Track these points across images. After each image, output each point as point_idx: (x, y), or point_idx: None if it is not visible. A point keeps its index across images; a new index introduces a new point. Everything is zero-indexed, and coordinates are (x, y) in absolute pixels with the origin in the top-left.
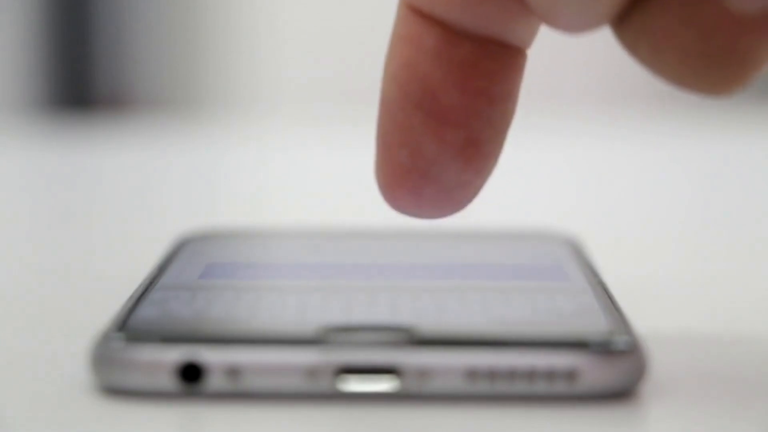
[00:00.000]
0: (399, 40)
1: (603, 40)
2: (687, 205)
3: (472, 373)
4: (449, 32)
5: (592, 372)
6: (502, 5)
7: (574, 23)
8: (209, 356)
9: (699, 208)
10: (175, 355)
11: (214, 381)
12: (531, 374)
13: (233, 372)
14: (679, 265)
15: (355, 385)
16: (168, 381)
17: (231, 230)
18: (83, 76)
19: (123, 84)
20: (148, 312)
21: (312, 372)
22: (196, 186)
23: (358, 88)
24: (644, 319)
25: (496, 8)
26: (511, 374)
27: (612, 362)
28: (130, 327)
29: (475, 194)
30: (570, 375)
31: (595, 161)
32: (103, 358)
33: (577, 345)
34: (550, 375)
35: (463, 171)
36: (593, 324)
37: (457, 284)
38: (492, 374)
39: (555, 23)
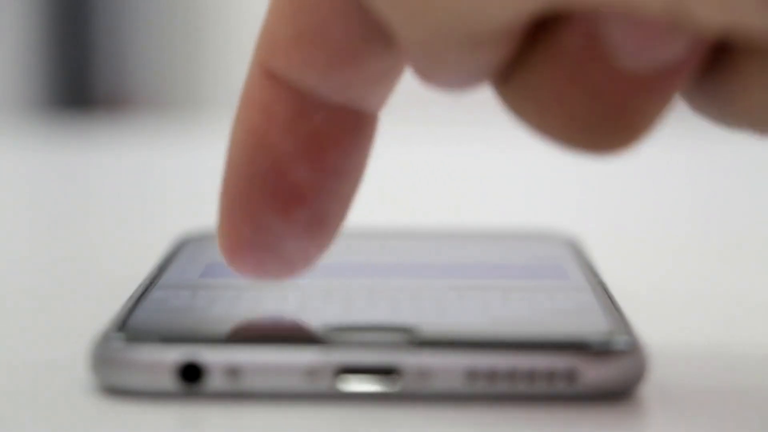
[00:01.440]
0: (249, 104)
1: None
2: (688, 206)
3: (472, 373)
4: (302, 100)
5: (592, 372)
6: (363, 69)
7: (450, 81)
8: (209, 356)
9: (700, 208)
10: (175, 355)
11: (214, 381)
12: (531, 374)
13: (233, 372)
14: (680, 266)
15: (355, 385)
16: (168, 381)
17: None
18: (83, 76)
19: (123, 84)
20: (148, 312)
21: (312, 372)
22: (196, 186)
23: None
24: (644, 320)
25: (356, 72)
26: (511, 374)
27: (612, 362)
28: (130, 327)
29: (317, 260)
30: (570, 375)
31: (595, 161)
32: (103, 358)
33: (577, 345)
34: (550, 375)
35: (307, 244)
36: (593, 324)
37: (458, 284)
38: (492, 374)
39: (431, 81)
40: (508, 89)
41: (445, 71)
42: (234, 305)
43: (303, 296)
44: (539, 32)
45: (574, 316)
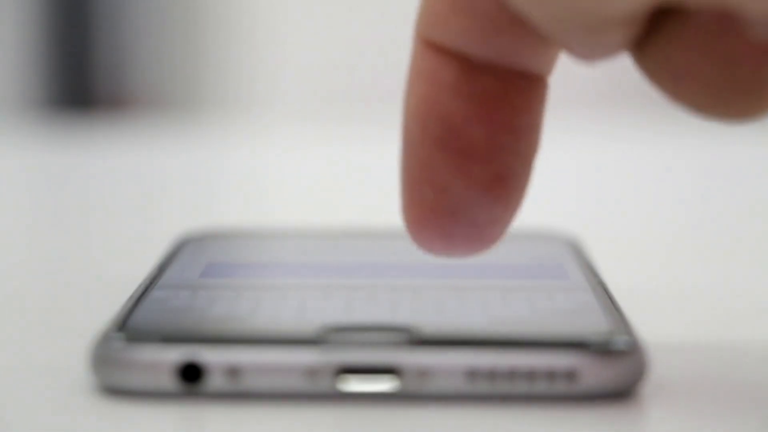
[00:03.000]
0: (416, 76)
1: None
2: (688, 206)
3: (472, 373)
4: (467, 65)
5: (592, 372)
6: (520, 35)
7: (588, 52)
8: (209, 356)
9: (700, 208)
10: (175, 355)
11: (214, 381)
12: (531, 374)
13: (233, 372)
14: (680, 266)
15: (355, 385)
16: (168, 381)
17: (231, 230)
18: (83, 76)
19: (123, 84)
20: (148, 312)
21: (312, 372)
22: (196, 186)
23: (358, 88)
24: (644, 320)
25: (514, 39)
26: (511, 374)
27: (612, 362)
28: (130, 327)
29: (506, 228)
30: (570, 375)
31: (595, 161)
32: (103, 358)
33: (577, 345)
34: (550, 375)
35: (492, 206)
36: (593, 324)
37: (458, 284)
38: (492, 374)
39: (571, 52)
40: (643, 58)
41: (577, 48)
42: (234, 305)
43: (303, 296)
44: (671, 10)
45: (574, 316)
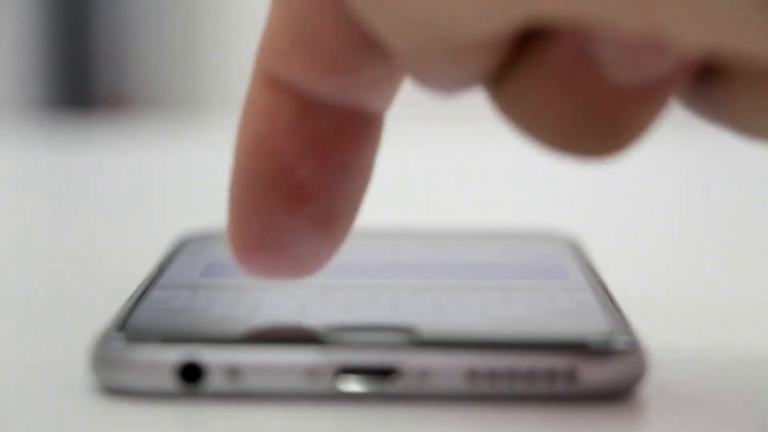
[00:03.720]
0: (251, 111)
1: None
2: (688, 206)
3: (472, 373)
4: (304, 103)
5: (592, 372)
6: (361, 73)
7: (444, 82)
8: (209, 356)
9: (700, 208)
10: (175, 355)
11: (214, 381)
12: (531, 374)
13: (233, 372)
14: (680, 266)
15: (355, 385)
16: (168, 381)
17: None
18: (83, 76)
19: (123, 84)
20: (148, 312)
21: (312, 372)
22: (196, 186)
23: None
24: (644, 320)
25: (355, 76)
26: (511, 374)
27: (612, 362)
28: (130, 327)
29: (329, 260)
30: (570, 375)
31: (586, 166)
32: (103, 358)
33: (577, 345)
34: (550, 375)
35: (317, 243)
36: (593, 324)
37: (458, 284)
38: (492, 374)
39: (426, 82)
40: (499, 94)
41: (435, 77)
42: (234, 305)
43: (303, 296)
44: (528, 41)
45: (574, 316)
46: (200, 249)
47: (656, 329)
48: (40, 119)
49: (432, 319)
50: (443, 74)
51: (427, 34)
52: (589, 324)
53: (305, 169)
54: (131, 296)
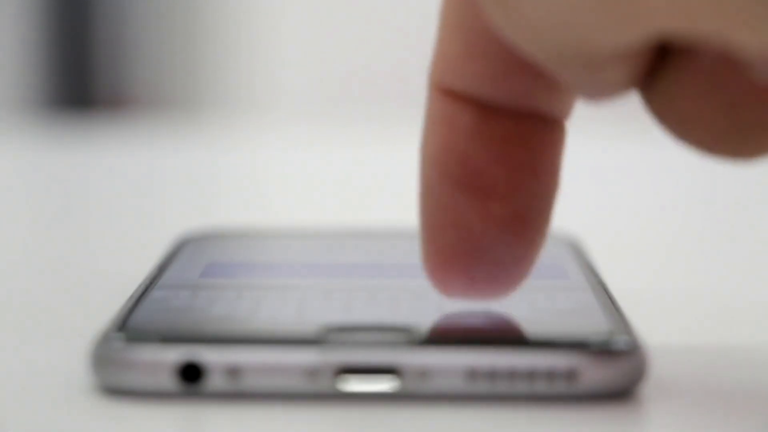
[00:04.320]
0: (432, 122)
1: None
2: (688, 206)
3: (472, 373)
4: (484, 109)
5: (592, 372)
6: (533, 78)
7: (593, 91)
8: (209, 356)
9: (700, 208)
10: (175, 355)
11: (214, 381)
12: (531, 374)
13: (233, 372)
14: (680, 266)
15: (355, 385)
16: (168, 381)
17: (231, 230)
18: (83, 76)
19: (123, 84)
20: (148, 312)
21: (312, 372)
22: (196, 186)
23: (357, 88)
24: (644, 320)
25: (526, 81)
26: (511, 374)
27: (612, 362)
28: (130, 327)
29: (529, 269)
30: (570, 375)
31: (595, 161)
32: (103, 358)
33: (577, 345)
34: (550, 375)
35: (513, 246)
36: (593, 324)
37: None
38: (492, 374)
39: (577, 90)
40: (650, 98)
41: (583, 85)
42: (234, 305)
43: (303, 296)
44: (672, 49)
45: (574, 316)
46: (200, 249)
47: (656, 329)
48: (40, 119)
49: (432, 319)
50: (588, 82)
51: (559, 48)
52: (589, 324)
53: (492, 170)
54: (131, 296)
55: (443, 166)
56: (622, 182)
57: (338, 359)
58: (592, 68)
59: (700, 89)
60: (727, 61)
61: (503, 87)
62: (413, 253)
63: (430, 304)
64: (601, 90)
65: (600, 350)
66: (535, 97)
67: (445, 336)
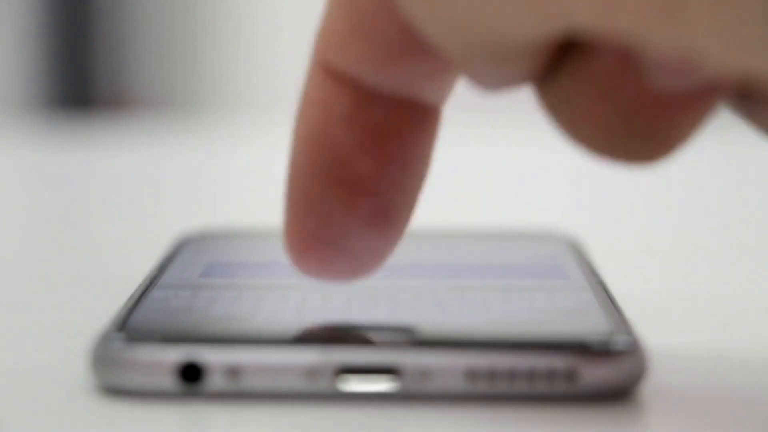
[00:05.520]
0: (309, 102)
1: None
2: (688, 206)
3: (472, 373)
4: (362, 95)
5: (592, 372)
6: (419, 63)
7: (490, 81)
8: (209, 356)
9: (701, 209)
10: (175, 355)
11: (214, 381)
12: (531, 374)
13: (233, 372)
14: (680, 266)
15: (355, 385)
16: (168, 381)
17: (231, 230)
18: (83, 76)
19: (123, 84)
20: (148, 312)
21: (312, 372)
22: (196, 186)
23: None
24: (644, 320)
25: (412, 66)
26: (511, 374)
27: (612, 362)
28: (130, 327)
29: (385, 258)
30: (570, 375)
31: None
32: (103, 358)
33: (577, 345)
34: (550, 375)
35: (374, 239)
36: (593, 324)
37: (458, 284)
38: (492, 374)
39: (473, 80)
40: (545, 95)
41: (481, 76)
42: (234, 305)
43: (303, 296)
44: (573, 46)
45: (574, 316)
46: (200, 249)
47: (656, 329)
48: (40, 119)
49: (432, 319)
50: (488, 73)
51: (468, 38)
52: (589, 324)
53: (362, 161)
54: (131, 296)
55: (313, 150)
56: (623, 182)
57: (338, 359)
58: (496, 60)
59: (596, 90)
60: (625, 64)
61: (386, 71)
62: (413, 253)
63: (430, 304)
64: (497, 82)
65: (600, 350)
66: (417, 84)
67: (445, 336)
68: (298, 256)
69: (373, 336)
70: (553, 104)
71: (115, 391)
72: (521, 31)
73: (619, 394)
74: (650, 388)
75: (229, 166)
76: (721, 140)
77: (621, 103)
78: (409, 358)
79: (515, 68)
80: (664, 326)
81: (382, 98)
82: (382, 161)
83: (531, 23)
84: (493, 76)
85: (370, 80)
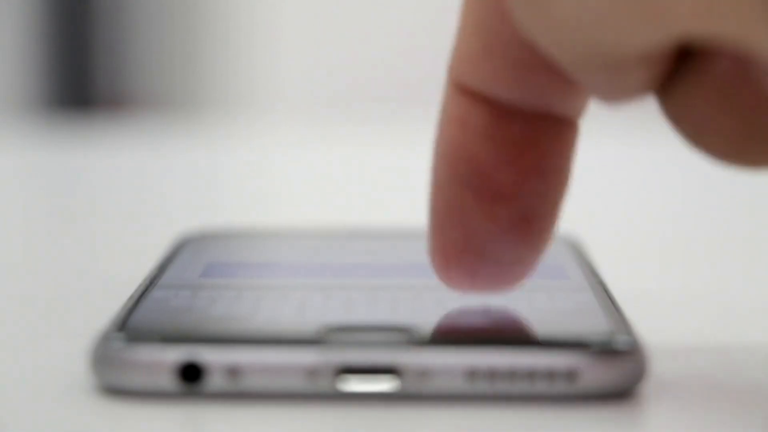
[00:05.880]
0: (447, 119)
1: None
2: (688, 206)
3: (472, 373)
4: (498, 110)
5: (592, 372)
6: (550, 79)
7: (612, 93)
8: (209, 356)
9: (701, 208)
10: (175, 355)
11: (214, 381)
12: (531, 374)
13: (233, 372)
14: (680, 266)
15: (355, 385)
16: (168, 381)
17: (231, 230)
18: (83, 76)
19: (123, 84)
20: (148, 312)
21: (312, 372)
22: (196, 186)
23: (358, 88)
24: (644, 320)
25: (543, 82)
26: (511, 374)
27: (612, 362)
28: (130, 327)
29: (532, 269)
30: (570, 375)
31: (596, 161)
32: (103, 358)
33: (577, 345)
34: (550, 375)
35: (518, 247)
36: (593, 324)
37: None
38: (492, 374)
39: (595, 93)
40: (667, 103)
41: (601, 87)
42: (234, 305)
43: (303, 296)
44: (691, 55)
45: (574, 316)
46: (200, 249)
47: (656, 329)
48: (40, 119)
49: (432, 319)
50: (608, 85)
51: (583, 50)
52: (589, 324)
53: (501, 172)
54: (131, 296)
55: (453, 165)
56: (623, 182)
57: (338, 359)
58: (615, 71)
59: (716, 95)
60: (744, 69)
61: (519, 87)
62: (413, 253)
63: (430, 304)
64: (619, 93)
65: (600, 350)
66: (550, 99)
67: (445, 336)
68: (443, 268)
69: (373, 336)
70: (676, 113)
71: (115, 391)
72: (634, 41)
73: (619, 394)
74: (650, 388)
75: (229, 166)
76: None
77: (741, 107)
78: (409, 358)
79: (634, 78)
80: (664, 326)
81: (518, 112)
82: (520, 171)
83: (643, 32)
84: (613, 87)
85: (503, 97)
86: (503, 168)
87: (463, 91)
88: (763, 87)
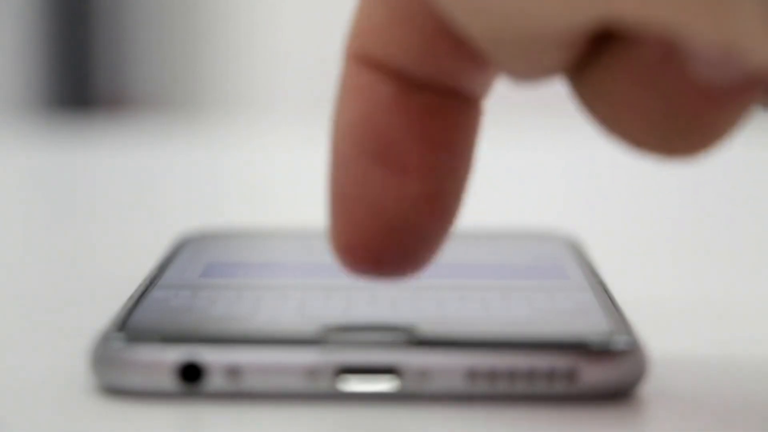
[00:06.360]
0: (348, 92)
1: None
2: (688, 206)
3: (472, 373)
4: (404, 82)
5: (592, 372)
6: (457, 53)
7: (524, 73)
8: (209, 356)
9: (701, 209)
10: (175, 355)
11: (214, 381)
12: (531, 374)
13: (233, 372)
14: (680, 266)
15: (355, 385)
16: (168, 381)
17: (231, 230)
18: (83, 76)
19: (123, 84)
20: (148, 312)
21: (312, 372)
22: (196, 186)
23: None
24: (644, 320)
25: (451, 56)
26: (511, 374)
27: (612, 362)
28: (130, 327)
29: (437, 252)
30: (570, 375)
31: (596, 161)
32: (103, 358)
33: (577, 345)
34: (550, 375)
35: (424, 227)
36: (593, 324)
37: (458, 284)
38: (492, 374)
39: (507, 71)
40: (581, 86)
41: (514, 66)
42: (234, 305)
43: (303, 296)
44: (609, 37)
45: (574, 316)
46: (200, 249)
47: (656, 329)
48: (40, 119)
49: (432, 319)
50: (521, 64)
51: (501, 27)
52: (589, 324)
53: (409, 145)
54: (131, 296)
55: (358, 138)
56: (623, 182)
57: (338, 359)
58: (531, 51)
59: (635, 81)
60: (666, 56)
61: (426, 60)
62: None
63: (430, 304)
64: (531, 72)
65: (600, 350)
66: (457, 75)
67: (445, 336)
68: (347, 250)
69: (373, 336)
70: (590, 96)
71: (115, 391)
72: (553, 22)
73: (619, 394)
74: (650, 388)
75: (229, 166)
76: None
77: (661, 95)
78: (409, 358)
79: (549, 59)
80: (663, 326)
81: (423, 86)
82: (429, 145)
83: (564, 13)
84: (527, 67)
85: (410, 69)
86: (411, 141)
87: (367, 63)
88: (685, 74)
